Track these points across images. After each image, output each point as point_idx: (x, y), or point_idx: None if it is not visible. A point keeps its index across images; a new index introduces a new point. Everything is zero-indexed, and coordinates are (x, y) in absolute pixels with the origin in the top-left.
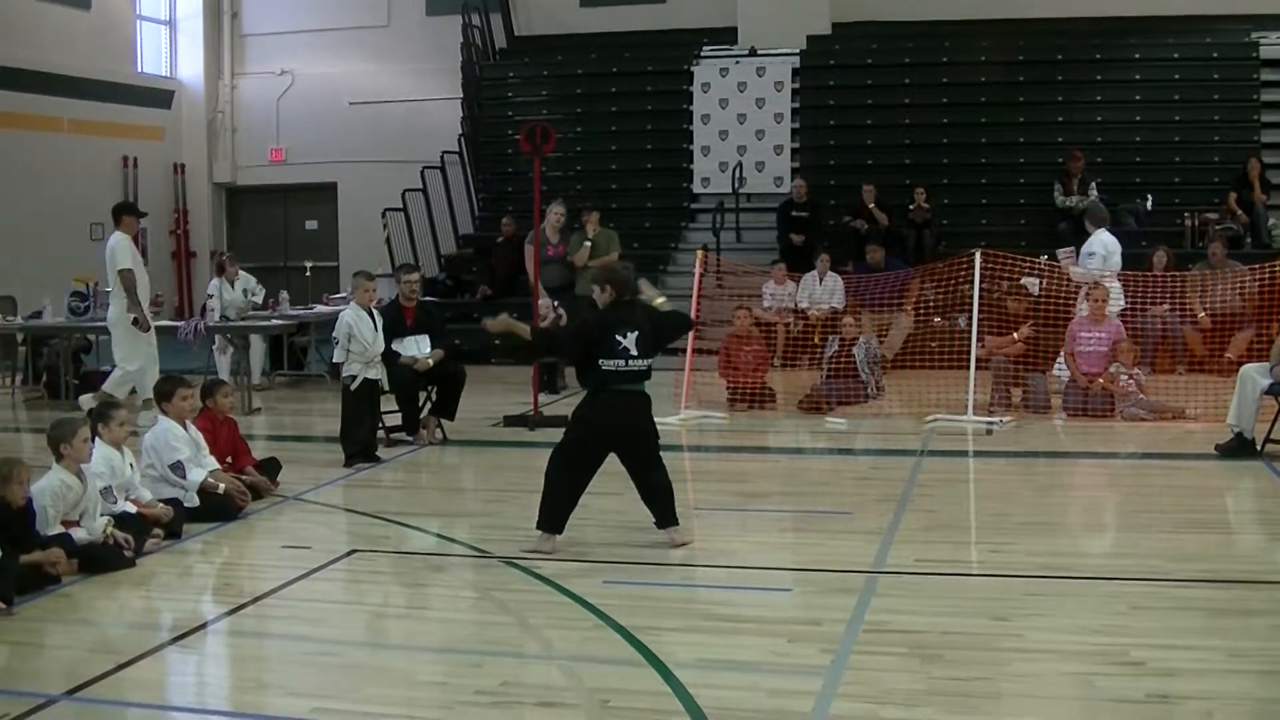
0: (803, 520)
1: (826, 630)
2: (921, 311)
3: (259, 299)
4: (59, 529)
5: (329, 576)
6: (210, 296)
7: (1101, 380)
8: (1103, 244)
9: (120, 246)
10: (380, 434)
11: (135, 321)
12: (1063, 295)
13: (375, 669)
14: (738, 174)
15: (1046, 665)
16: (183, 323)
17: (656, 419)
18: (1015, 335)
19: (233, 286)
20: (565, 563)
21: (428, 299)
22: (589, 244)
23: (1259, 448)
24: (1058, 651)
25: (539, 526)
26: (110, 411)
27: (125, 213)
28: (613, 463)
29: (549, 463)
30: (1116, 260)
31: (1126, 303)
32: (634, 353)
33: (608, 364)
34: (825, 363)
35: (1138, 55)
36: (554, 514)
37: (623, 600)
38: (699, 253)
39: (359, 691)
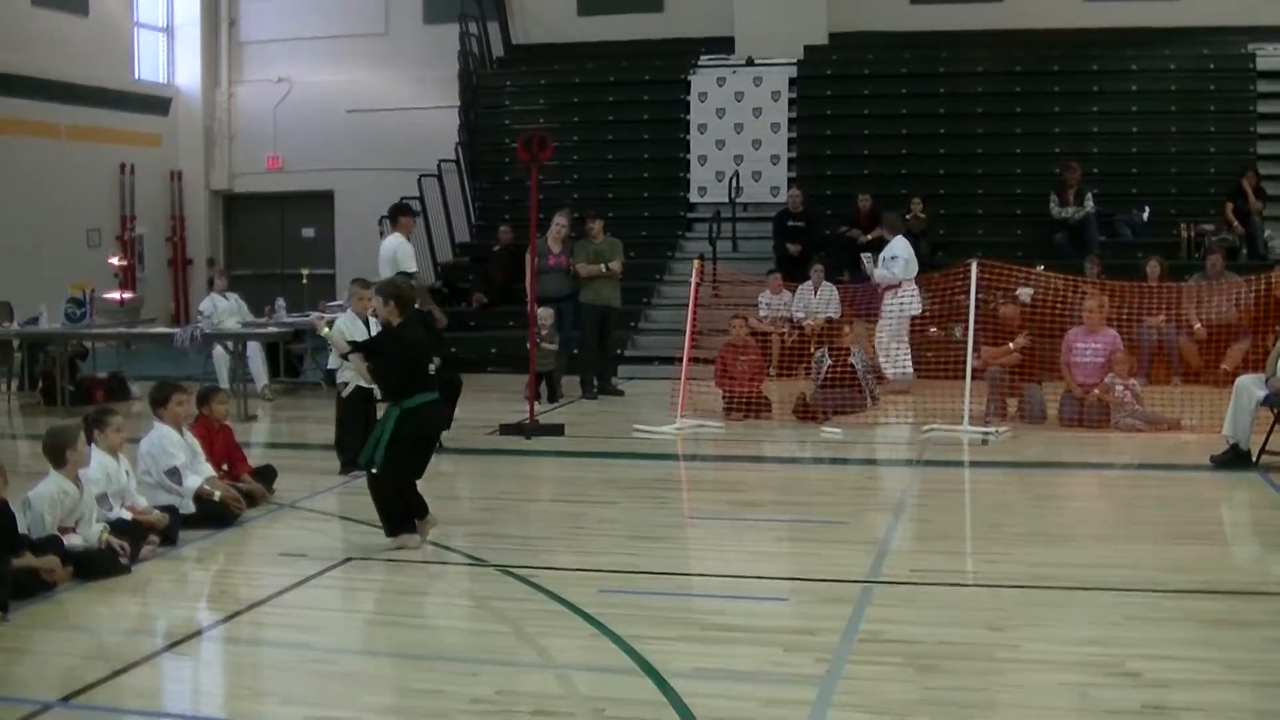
0: (798, 530)
1: (822, 640)
2: (918, 322)
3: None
4: (52, 533)
5: (324, 584)
6: (204, 315)
7: (1098, 391)
8: (904, 248)
9: (403, 249)
10: None
11: None
12: (1056, 305)
13: (371, 677)
14: (734, 183)
15: (1042, 676)
16: (179, 330)
17: (653, 427)
18: (1011, 345)
19: (225, 297)
20: (561, 571)
21: None
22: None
23: (1254, 459)
24: (1053, 662)
25: (391, 534)
26: (106, 418)
27: (402, 213)
28: (606, 469)
29: (380, 482)
30: (914, 266)
31: (922, 307)
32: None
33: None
34: (817, 372)
35: (1134, 66)
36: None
37: (619, 609)
38: (695, 262)
39: (354, 699)
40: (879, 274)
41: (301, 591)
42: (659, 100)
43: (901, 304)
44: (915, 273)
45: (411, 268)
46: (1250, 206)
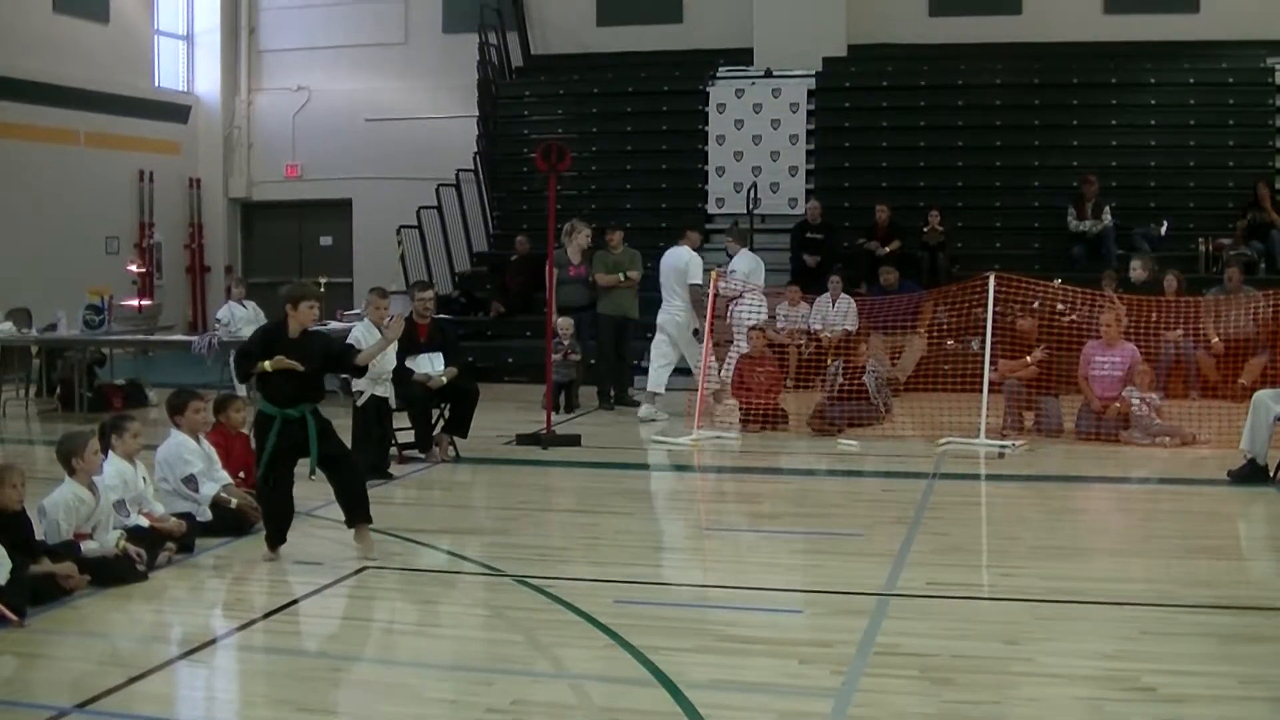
0: (814, 542)
1: (837, 652)
2: (935, 334)
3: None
4: (68, 539)
5: (340, 593)
6: (221, 323)
7: (1118, 405)
8: (743, 261)
9: (694, 261)
10: (393, 451)
11: (695, 333)
12: (1073, 317)
13: (385, 685)
14: (752, 195)
15: (1057, 690)
16: (197, 337)
17: (671, 439)
18: (1028, 359)
19: (243, 305)
20: (577, 582)
21: (442, 316)
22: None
23: (1272, 474)
24: (1068, 676)
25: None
26: (124, 424)
27: (690, 228)
28: (622, 480)
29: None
30: (759, 277)
31: (766, 316)
32: None
33: None
34: (831, 385)
35: (1153, 80)
36: None
37: (634, 619)
38: (713, 273)
39: (369, 708)
40: (722, 286)
41: (317, 600)
42: (677, 111)
43: (741, 314)
44: (761, 284)
45: (698, 280)
46: (1269, 218)
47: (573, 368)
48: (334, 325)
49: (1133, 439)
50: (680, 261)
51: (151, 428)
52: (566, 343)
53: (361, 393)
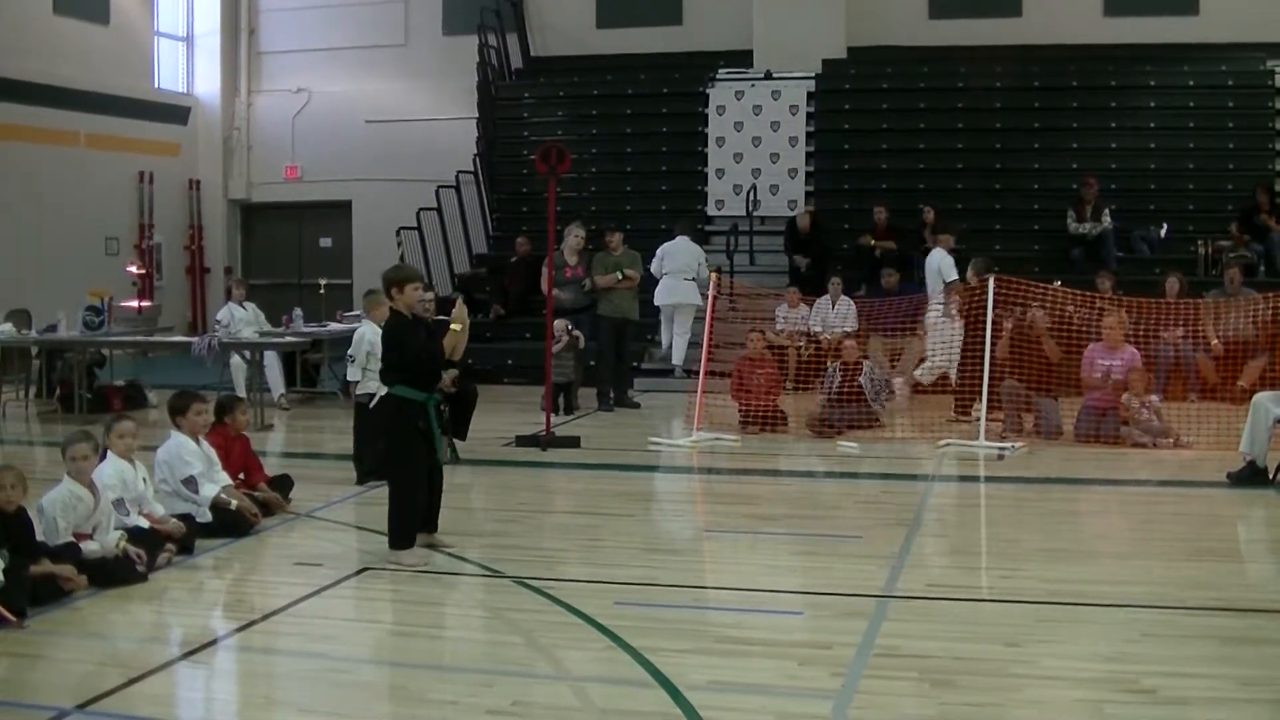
0: (814, 544)
1: (837, 654)
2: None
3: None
4: (69, 539)
5: (340, 594)
6: (221, 324)
7: (1125, 414)
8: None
9: (946, 261)
10: None
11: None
12: (1074, 320)
13: (386, 687)
14: (752, 197)
15: (1058, 692)
16: (196, 339)
17: (668, 440)
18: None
19: (243, 307)
20: (577, 583)
21: (442, 318)
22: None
23: (1271, 476)
24: (1069, 678)
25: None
26: (114, 424)
27: (943, 231)
28: (621, 482)
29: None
30: (672, 264)
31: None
32: None
33: None
34: (827, 388)
35: (1152, 83)
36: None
37: (634, 621)
38: (712, 275)
39: (369, 709)
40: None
41: (317, 601)
42: (677, 113)
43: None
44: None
45: (952, 277)
46: (1266, 224)
47: (569, 368)
48: (334, 326)
49: (1134, 437)
50: (934, 263)
51: (151, 429)
52: (565, 340)
53: (373, 395)
